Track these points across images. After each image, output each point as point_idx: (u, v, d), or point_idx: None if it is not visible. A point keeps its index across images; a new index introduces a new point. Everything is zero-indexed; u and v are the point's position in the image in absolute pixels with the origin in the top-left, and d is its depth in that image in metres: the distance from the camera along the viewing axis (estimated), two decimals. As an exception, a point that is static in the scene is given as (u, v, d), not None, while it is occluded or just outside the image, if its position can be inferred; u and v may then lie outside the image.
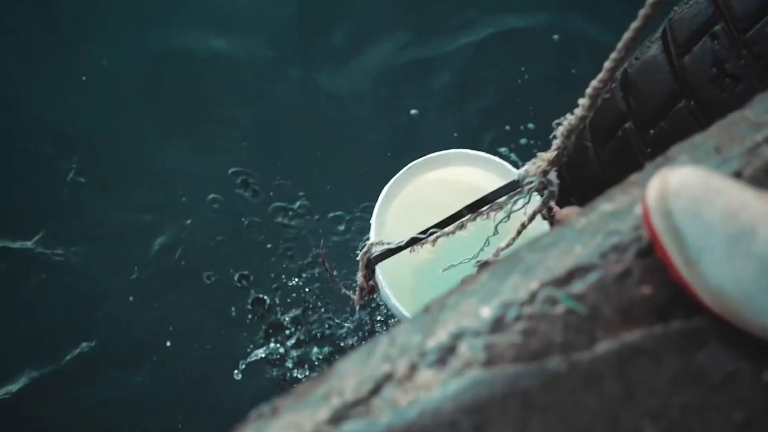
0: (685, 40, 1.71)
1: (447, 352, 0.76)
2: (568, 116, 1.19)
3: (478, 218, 1.53)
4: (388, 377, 0.76)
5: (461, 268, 1.99)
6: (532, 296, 0.79)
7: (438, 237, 1.58)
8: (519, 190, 1.42)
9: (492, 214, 1.51)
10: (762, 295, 0.72)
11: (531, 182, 1.38)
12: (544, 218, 1.66)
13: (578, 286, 0.79)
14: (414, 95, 2.69)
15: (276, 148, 2.60)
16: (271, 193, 2.50)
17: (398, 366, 0.76)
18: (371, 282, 1.72)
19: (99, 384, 2.21)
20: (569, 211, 1.11)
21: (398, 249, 1.63)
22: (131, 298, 2.31)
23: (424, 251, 2.04)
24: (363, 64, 2.75)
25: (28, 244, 2.36)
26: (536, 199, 1.44)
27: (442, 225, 1.56)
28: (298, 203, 2.49)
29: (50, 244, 2.37)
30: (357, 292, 1.74)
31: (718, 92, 1.67)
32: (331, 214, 2.48)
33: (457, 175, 1.92)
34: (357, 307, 1.85)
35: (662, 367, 0.74)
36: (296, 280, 2.37)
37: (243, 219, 2.45)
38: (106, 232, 2.41)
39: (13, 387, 2.18)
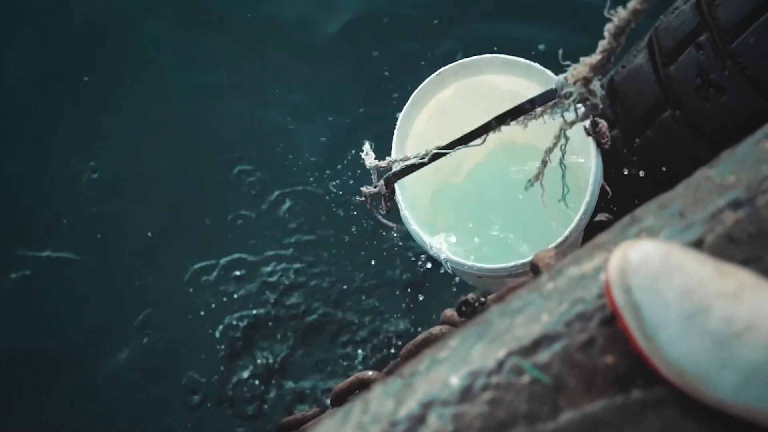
0: (671, 49, 1.73)
1: (417, 422, 0.81)
2: (620, 11, 1.04)
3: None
4: (360, 447, 0.81)
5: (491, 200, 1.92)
6: (500, 365, 0.83)
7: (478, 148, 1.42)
8: (556, 100, 1.27)
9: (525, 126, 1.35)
10: (716, 371, 0.77)
11: (570, 92, 1.22)
12: (588, 134, 1.53)
13: (544, 356, 0.83)
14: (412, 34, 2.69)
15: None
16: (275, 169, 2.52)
17: (371, 435, 0.81)
18: (389, 203, 1.61)
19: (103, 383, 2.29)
20: (543, 255, 1.15)
21: (419, 165, 1.50)
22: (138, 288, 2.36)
23: (448, 174, 1.92)
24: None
25: (39, 243, 2.42)
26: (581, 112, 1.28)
27: (467, 138, 1.41)
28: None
29: (62, 242, 2.42)
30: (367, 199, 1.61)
31: (703, 102, 1.69)
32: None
33: (492, 84, 1.75)
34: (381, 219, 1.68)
35: (622, 437, 0.79)
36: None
37: (251, 210, 2.47)
38: (110, 222, 2.45)
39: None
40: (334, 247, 2.39)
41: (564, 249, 1.55)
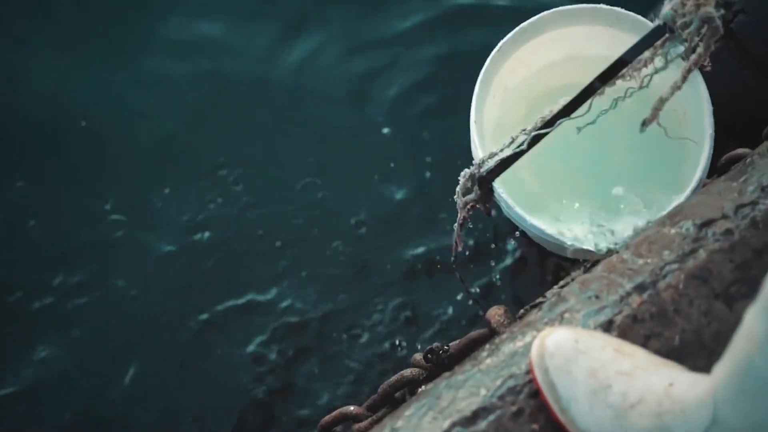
0: None
1: (378, 485, 1.05)
2: None
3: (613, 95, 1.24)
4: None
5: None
6: (445, 434, 1.07)
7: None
8: (668, 36, 1.17)
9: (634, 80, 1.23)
10: (616, 437, 1.00)
11: (687, 21, 1.14)
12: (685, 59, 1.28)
13: (481, 425, 1.06)
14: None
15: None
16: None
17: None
18: (488, 204, 1.47)
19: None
20: (494, 312, 1.37)
21: (517, 155, 1.35)
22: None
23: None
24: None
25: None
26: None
27: (569, 109, 1.28)
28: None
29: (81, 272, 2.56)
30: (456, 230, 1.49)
31: None
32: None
33: (558, 42, 1.63)
34: (459, 248, 1.54)
35: (545, 492, 1.03)
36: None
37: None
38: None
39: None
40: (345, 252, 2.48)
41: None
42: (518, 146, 1.34)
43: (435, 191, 2.41)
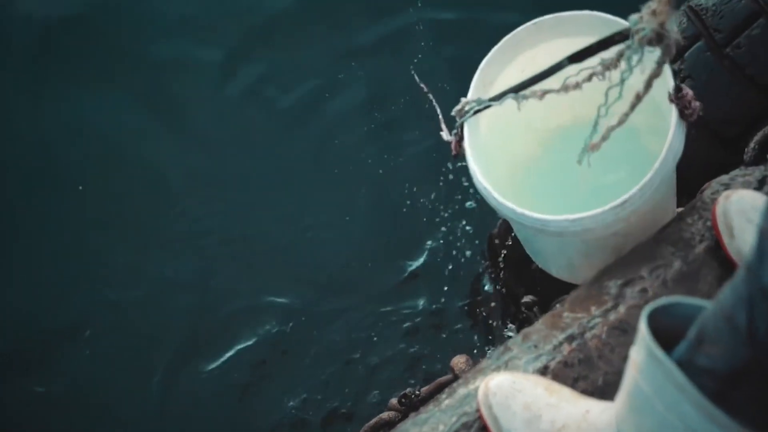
0: None
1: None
2: None
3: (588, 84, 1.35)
4: None
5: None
6: (410, 464, 1.37)
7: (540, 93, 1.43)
8: (629, 42, 1.27)
9: (600, 74, 1.33)
10: (548, 459, 1.30)
11: (643, 30, 1.22)
12: (671, 101, 1.47)
13: (439, 455, 1.37)
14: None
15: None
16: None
17: None
18: (458, 148, 1.64)
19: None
20: (457, 360, 1.67)
21: (488, 105, 1.56)
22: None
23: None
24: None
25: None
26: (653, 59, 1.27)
27: (538, 78, 1.44)
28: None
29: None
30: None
31: None
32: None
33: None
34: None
35: None
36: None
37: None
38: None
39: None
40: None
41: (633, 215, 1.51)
42: (490, 99, 1.54)
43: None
